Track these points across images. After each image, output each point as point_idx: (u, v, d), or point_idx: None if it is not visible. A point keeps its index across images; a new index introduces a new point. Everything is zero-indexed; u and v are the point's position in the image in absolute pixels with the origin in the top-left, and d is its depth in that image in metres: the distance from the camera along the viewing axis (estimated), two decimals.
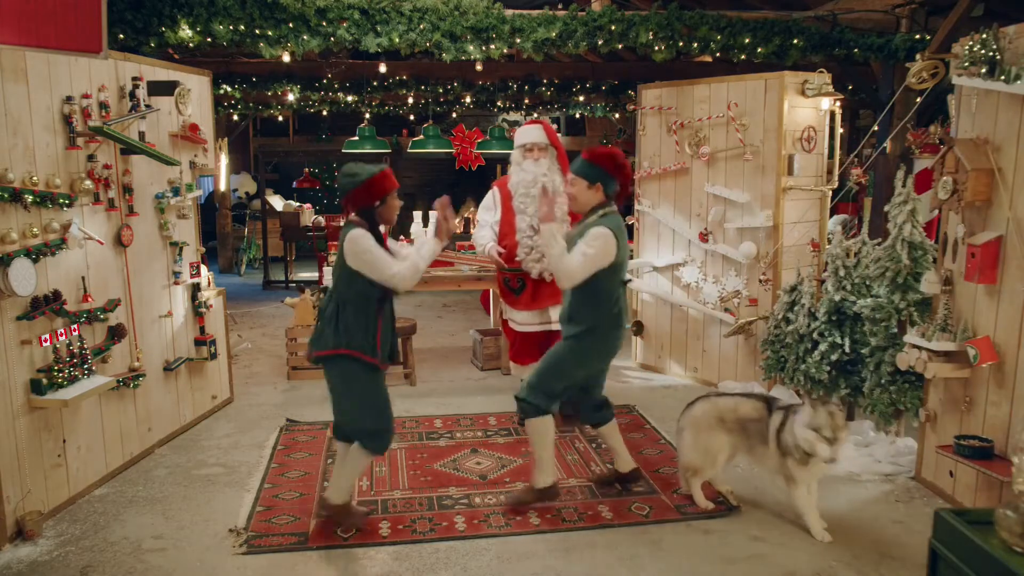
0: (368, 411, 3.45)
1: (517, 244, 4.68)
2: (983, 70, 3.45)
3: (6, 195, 3.31)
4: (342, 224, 3.49)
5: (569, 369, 3.70)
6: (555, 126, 4.95)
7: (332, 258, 6.70)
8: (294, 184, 13.82)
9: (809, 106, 5.34)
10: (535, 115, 10.63)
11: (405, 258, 3.42)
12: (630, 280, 3.76)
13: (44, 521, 3.56)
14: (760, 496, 3.93)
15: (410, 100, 9.49)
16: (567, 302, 3.74)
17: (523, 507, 3.76)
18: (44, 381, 3.50)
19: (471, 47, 5.24)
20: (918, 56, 4.34)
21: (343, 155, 10.39)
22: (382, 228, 3.44)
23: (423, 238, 3.39)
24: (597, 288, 3.58)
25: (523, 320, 4.88)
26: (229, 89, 7.72)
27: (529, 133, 4.67)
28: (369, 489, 4.01)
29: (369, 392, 3.44)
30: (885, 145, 6.33)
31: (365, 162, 3.52)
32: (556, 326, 4.63)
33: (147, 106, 4.19)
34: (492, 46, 5.27)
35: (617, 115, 10.39)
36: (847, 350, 4.50)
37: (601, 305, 3.61)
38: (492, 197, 4.90)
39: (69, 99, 3.70)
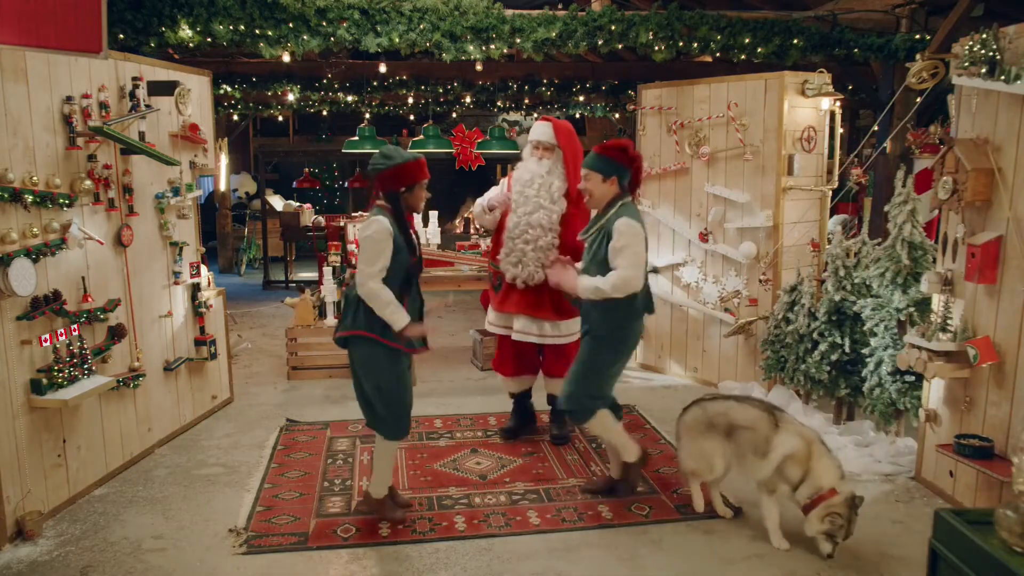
0: (384, 396, 3.46)
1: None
2: (983, 70, 3.45)
3: (6, 195, 3.31)
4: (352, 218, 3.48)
5: (607, 366, 3.69)
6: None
7: (332, 258, 6.71)
8: (294, 184, 13.82)
9: (809, 106, 5.34)
10: (535, 114, 10.62)
11: (385, 290, 3.32)
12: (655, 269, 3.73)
13: (44, 521, 3.56)
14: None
15: (410, 100, 9.49)
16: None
17: (627, 490, 3.90)
18: (44, 381, 3.50)
19: (471, 47, 5.24)
20: (918, 56, 4.34)
21: (343, 155, 10.39)
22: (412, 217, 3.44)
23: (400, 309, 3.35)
24: None
25: (492, 320, 4.75)
26: (229, 89, 7.72)
27: (537, 130, 4.55)
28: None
29: (387, 377, 3.43)
30: (885, 145, 6.33)
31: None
32: (517, 335, 4.52)
33: (147, 106, 4.19)
34: (492, 46, 5.27)
35: (617, 115, 10.38)
36: (847, 350, 4.51)
37: (632, 297, 3.56)
38: (503, 183, 4.80)
39: (69, 99, 3.69)
